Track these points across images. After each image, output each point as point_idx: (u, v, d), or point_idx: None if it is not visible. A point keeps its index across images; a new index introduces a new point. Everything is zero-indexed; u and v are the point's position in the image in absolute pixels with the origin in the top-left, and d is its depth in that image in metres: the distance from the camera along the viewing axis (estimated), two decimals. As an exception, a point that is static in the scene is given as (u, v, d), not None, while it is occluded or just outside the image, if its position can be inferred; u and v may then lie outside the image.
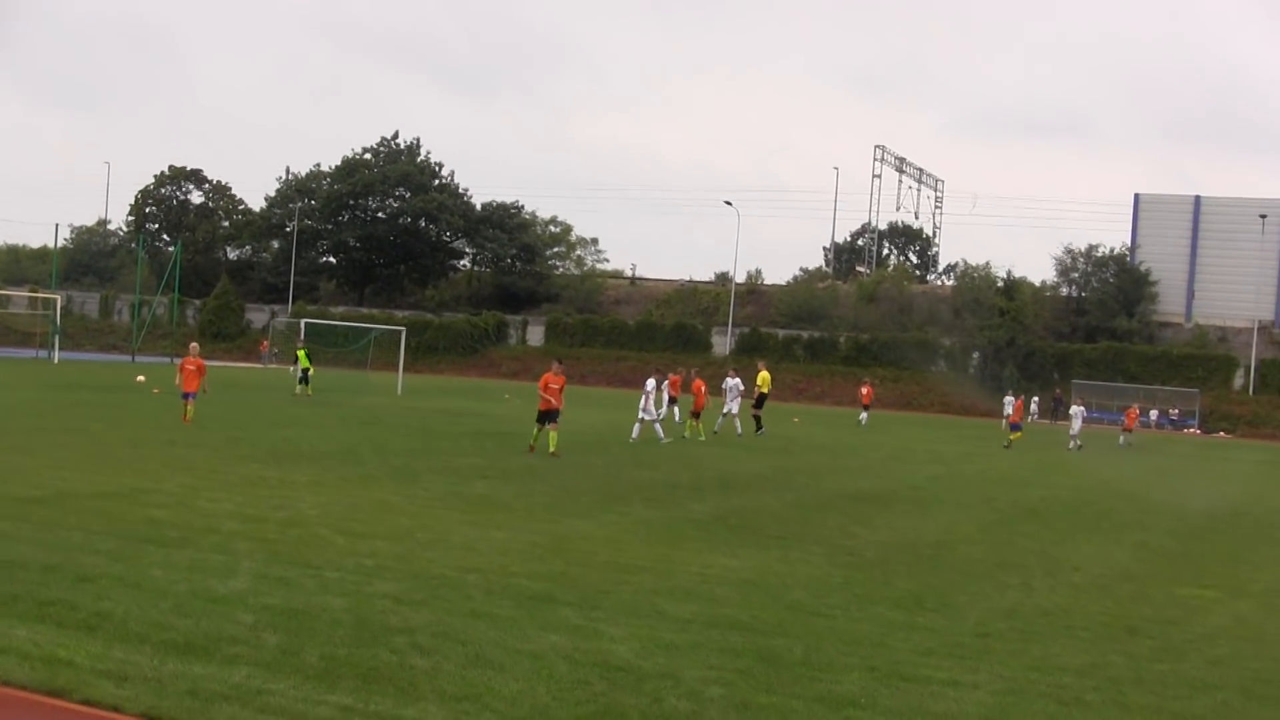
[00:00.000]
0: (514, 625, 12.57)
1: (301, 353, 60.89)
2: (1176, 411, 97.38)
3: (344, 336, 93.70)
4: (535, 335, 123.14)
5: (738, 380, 51.57)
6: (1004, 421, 63.37)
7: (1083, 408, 62.21)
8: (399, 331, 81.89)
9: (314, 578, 14.31)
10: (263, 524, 18.04)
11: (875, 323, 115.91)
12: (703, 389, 46.38)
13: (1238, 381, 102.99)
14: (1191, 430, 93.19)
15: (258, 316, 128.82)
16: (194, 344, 40.33)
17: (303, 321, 74.61)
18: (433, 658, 11.09)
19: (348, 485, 23.88)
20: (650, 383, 43.23)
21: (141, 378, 59.05)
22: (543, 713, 9.72)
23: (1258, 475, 48.38)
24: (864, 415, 68.28)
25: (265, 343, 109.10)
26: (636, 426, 42.24)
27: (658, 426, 42.66)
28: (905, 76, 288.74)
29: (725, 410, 50.56)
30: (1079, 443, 57.20)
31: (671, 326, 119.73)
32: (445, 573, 15.19)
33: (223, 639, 11.24)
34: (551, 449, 33.67)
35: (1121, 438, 65.45)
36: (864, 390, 71.63)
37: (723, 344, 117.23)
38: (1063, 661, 12.71)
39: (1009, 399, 77.06)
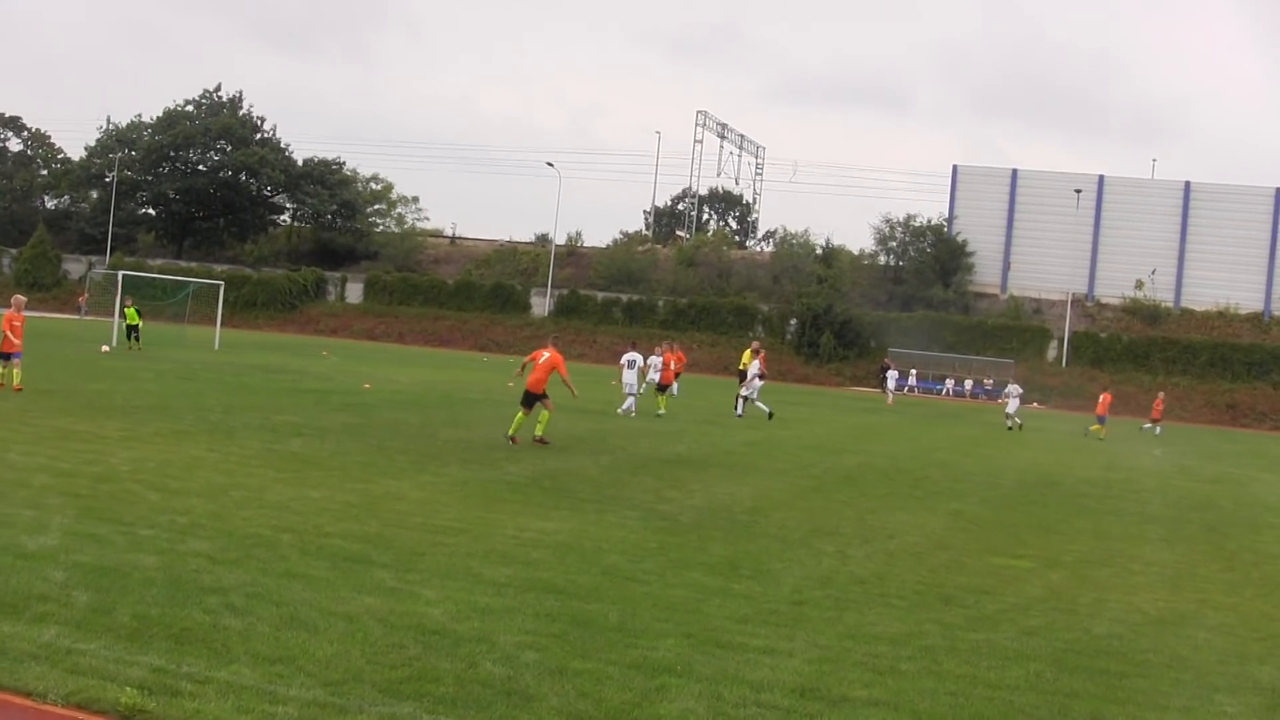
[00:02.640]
0: (328, 586, 12.50)
1: (131, 310, 60.58)
2: (990, 381, 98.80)
3: (162, 289, 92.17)
4: (354, 292, 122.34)
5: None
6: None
7: (1018, 386, 62.36)
8: (217, 286, 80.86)
9: (126, 535, 14.11)
10: (74, 479, 17.75)
11: (694, 287, 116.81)
12: (671, 363, 46.05)
13: (1051, 353, 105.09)
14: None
15: (75, 267, 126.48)
16: (20, 297, 36.67)
17: (120, 274, 73.28)
18: (246, 619, 10.98)
19: (162, 440, 23.56)
20: (628, 357, 43.28)
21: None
22: (356, 676, 9.66)
23: (1069, 446, 49.17)
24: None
25: (83, 294, 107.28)
26: (630, 400, 42.70)
27: (631, 400, 42.78)
28: (724, 43, 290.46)
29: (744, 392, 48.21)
30: (1017, 421, 57.58)
31: (490, 287, 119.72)
32: (260, 531, 15.05)
33: (32, 597, 11.05)
34: (538, 433, 29.63)
35: (1156, 428, 62.75)
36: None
37: (542, 305, 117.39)
38: (878, 630, 12.86)
39: (893, 373, 77.70)
